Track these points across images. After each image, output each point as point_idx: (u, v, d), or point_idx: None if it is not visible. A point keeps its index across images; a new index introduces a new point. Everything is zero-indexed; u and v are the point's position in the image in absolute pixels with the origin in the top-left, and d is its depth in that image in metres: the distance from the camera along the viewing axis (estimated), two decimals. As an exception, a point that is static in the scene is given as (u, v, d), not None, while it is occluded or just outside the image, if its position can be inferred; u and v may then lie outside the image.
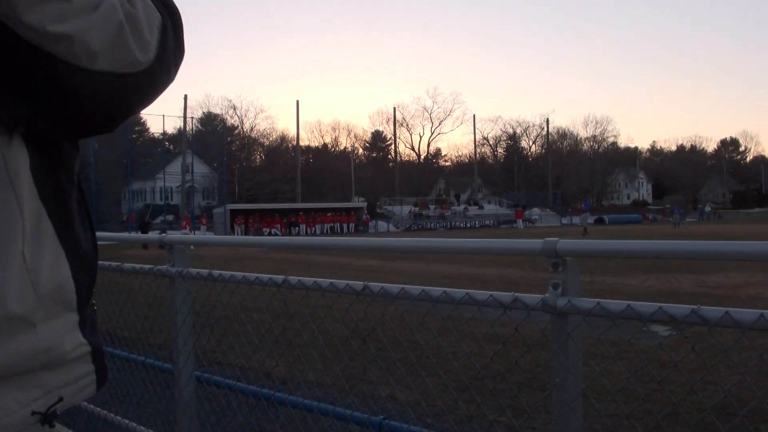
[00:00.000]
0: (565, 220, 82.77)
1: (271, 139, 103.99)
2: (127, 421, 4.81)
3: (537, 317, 2.53)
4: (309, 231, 64.00)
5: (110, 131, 1.20)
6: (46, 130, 1.13)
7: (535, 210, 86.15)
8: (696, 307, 2.14)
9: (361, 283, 3.10)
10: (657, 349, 7.40)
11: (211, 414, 4.85)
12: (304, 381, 4.83)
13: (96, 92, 1.08)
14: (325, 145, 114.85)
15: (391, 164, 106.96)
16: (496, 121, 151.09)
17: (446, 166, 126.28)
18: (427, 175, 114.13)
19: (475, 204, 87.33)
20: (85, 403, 5.14)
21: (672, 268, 18.32)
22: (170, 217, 65.61)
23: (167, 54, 1.18)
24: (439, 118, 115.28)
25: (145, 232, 46.71)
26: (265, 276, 3.61)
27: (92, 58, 1.04)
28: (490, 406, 5.71)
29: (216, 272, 3.90)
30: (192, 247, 5.11)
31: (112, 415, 4.98)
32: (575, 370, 2.44)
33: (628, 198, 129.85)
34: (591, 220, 69.79)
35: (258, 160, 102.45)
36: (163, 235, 4.58)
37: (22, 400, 1.10)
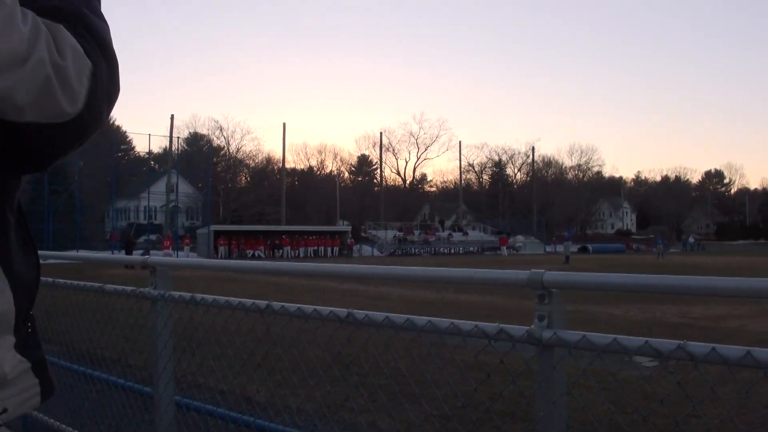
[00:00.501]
0: (549, 248, 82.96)
1: (257, 160, 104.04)
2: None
3: (521, 347, 2.51)
4: (293, 254, 63.88)
5: (43, 171, 1.25)
6: None
7: (520, 237, 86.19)
8: (683, 342, 2.12)
9: (346, 310, 3.07)
10: (641, 380, 7.39)
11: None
12: (284, 407, 4.77)
13: (24, 142, 1.12)
14: (310, 168, 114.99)
15: (376, 188, 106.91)
16: (482, 148, 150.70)
17: (431, 192, 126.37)
18: (412, 201, 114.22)
19: (460, 230, 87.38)
20: (64, 426, 5.08)
21: (655, 298, 18.32)
22: (154, 237, 65.31)
23: (97, 101, 1.19)
24: (425, 144, 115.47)
25: (129, 251, 46.51)
26: (248, 301, 3.58)
27: (19, 112, 1.06)
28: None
29: (198, 296, 3.87)
30: (174, 268, 5.11)
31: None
32: (559, 402, 2.41)
33: (612, 227, 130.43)
34: (574, 248, 69.91)
35: (243, 182, 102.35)
36: (147, 257, 4.54)
37: None
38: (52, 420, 5.12)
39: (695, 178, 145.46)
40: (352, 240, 70.76)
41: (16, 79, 1.04)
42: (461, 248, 78.04)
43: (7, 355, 1.22)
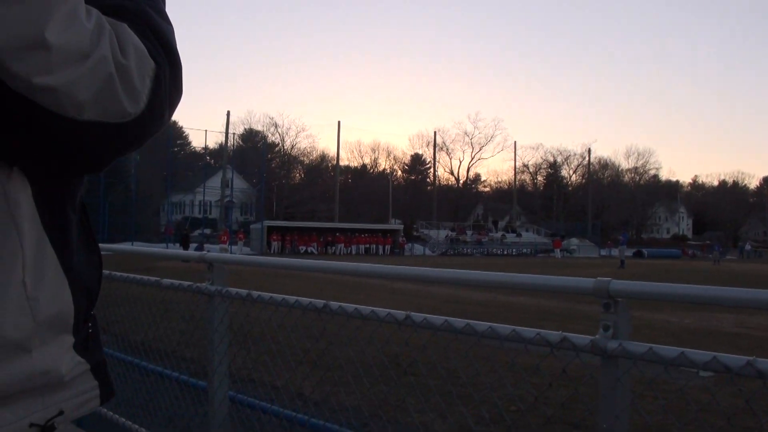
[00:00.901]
0: (603, 252, 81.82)
1: (311, 157, 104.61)
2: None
3: (583, 354, 2.46)
4: (345, 251, 64.12)
5: (99, 172, 1.24)
6: (38, 167, 1.15)
7: (574, 240, 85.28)
8: (752, 359, 2.06)
9: (404, 312, 3.05)
10: (698, 390, 7.25)
11: (243, 434, 4.81)
12: (338, 405, 4.77)
13: (83, 141, 1.11)
14: (364, 166, 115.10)
15: (429, 188, 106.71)
16: (537, 148, 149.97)
17: (485, 192, 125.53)
18: (466, 200, 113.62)
19: (513, 231, 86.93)
20: (117, 416, 5.14)
21: (712, 306, 18.00)
22: (208, 231, 66.06)
23: (159, 102, 1.19)
24: (479, 144, 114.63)
25: (185, 244, 47.16)
26: (305, 299, 3.57)
27: (79, 109, 1.06)
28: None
29: (255, 293, 3.87)
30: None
31: (143, 430, 4.96)
32: (622, 416, 2.36)
33: (668, 232, 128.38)
34: (629, 252, 68.95)
35: (297, 178, 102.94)
36: (204, 252, 4.56)
37: (20, 413, 1.14)
38: (104, 410, 5.18)
39: (753, 183, 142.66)
40: (404, 239, 70.75)
41: (77, 75, 1.03)
42: (514, 250, 77.49)
43: (65, 355, 1.22)
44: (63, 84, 1.02)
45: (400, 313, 3.06)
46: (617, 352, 2.29)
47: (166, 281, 4.71)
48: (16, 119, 1.04)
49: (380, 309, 3.19)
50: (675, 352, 2.18)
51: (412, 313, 3.01)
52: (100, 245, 1.44)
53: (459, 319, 2.84)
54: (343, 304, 3.36)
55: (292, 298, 3.63)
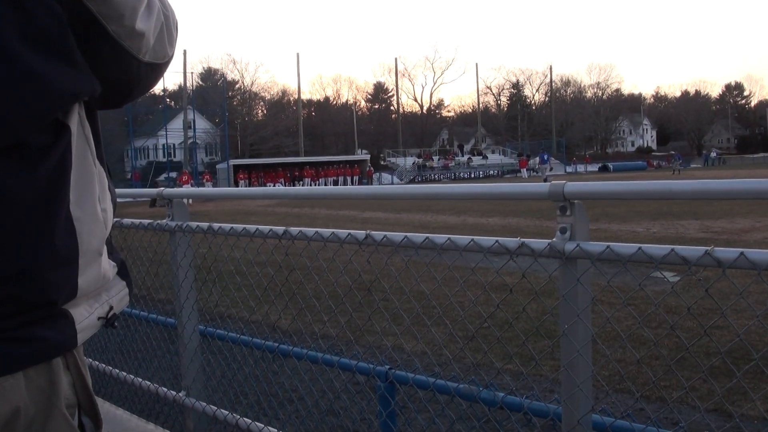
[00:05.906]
0: (569, 168, 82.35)
1: (272, 93, 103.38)
2: (132, 377, 4.80)
3: (545, 265, 2.45)
4: (313, 185, 63.97)
5: (120, 107, 1.48)
6: (94, 98, 1.32)
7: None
8: (710, 248, 2.07)
9: (364, 232, 3.03)
10: (666, 295, 7.36)
11: (216, 367, 4.83)
12: (309, 333, 4.79)
13: (138, 78, 1.36)
14: (326, 98, 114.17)
15: (393, 116, 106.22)
16: (499, 69, 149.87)
17: (449, 117, 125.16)
18: (431, 126, 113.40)
19: (479, 154, 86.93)
20: (91, 360, 5.13)
21: (677, 215, 18.24)
22: (174, 174, 65.44)
23: (175, 46, 1.45)
24: (441, 68, 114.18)
25: (155, 189, 46.75)
26: (266, 227, 3.55)
27: (146, 52, 1.30)
28: (497, 354, 5.68)
29: (216, 225, 3.85)
30: (190, 201, 5.06)
31: (117, 371, 4.96)
32: (584, 315, 2.37)
33: (633, 145, 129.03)
34: (594, 167, 69.19)
35: (260, 115, 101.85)
36: (162, 189, 4.50)
37: (90, 309, 1.34)
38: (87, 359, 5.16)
39: (715, 91, 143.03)
40: (372, 168, 70.62)
41: (153, 23, 1.28)
42: (481, 172, 77.62)
43: (107, 260, 1.40)
44: (149, 30, 1.27)
45: (360, 233, 3.04)
46: (575, 253, 2.29)
47: (127, 221, 4.66)
48: (106, 58, 1.25)
49: (341, 230, 3.17)
50: (633, 248, 2.19)
51: (372, 232, 3.00)
52: None
53: (419, 234, 2.82)
54: (304, 229, 3.34)
55: (252, 227, 3.61)
